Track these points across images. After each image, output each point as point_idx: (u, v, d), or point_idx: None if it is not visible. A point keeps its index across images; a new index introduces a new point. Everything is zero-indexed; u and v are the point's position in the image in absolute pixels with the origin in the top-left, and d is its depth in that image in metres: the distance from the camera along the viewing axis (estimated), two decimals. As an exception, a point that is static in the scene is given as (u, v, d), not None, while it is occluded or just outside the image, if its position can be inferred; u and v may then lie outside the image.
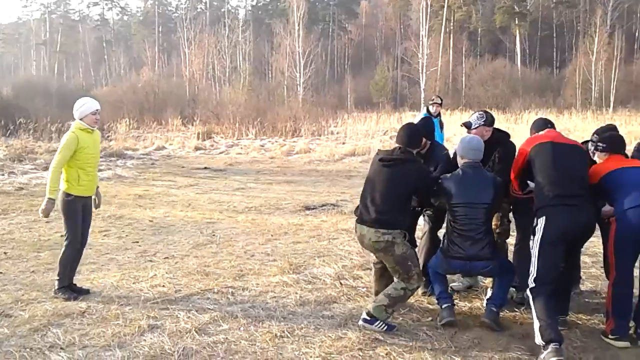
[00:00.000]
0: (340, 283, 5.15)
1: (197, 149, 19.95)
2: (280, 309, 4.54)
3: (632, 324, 3.91)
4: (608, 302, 3.91)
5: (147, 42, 60.28)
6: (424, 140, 4.62)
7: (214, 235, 7.29)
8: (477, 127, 4.54)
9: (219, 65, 47.23)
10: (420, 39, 47.56)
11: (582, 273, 5.20)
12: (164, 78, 43.87)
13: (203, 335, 4.04)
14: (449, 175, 4.23)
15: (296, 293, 4.92)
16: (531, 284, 3.78)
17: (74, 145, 4.76)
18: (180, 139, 22.12)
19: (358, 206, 4.38)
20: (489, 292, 4.23)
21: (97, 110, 4.93)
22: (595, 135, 4.53)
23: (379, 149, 4.55)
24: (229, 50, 46.91)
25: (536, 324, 3.62)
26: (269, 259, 6.08)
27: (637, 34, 50.19)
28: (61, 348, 3.83)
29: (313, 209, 9.11)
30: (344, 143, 20.14)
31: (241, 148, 19.88)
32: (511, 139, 4.74)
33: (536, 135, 4.16)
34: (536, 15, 56.55)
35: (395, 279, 4.23)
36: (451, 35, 52.49)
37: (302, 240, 6.95)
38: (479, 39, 57.59)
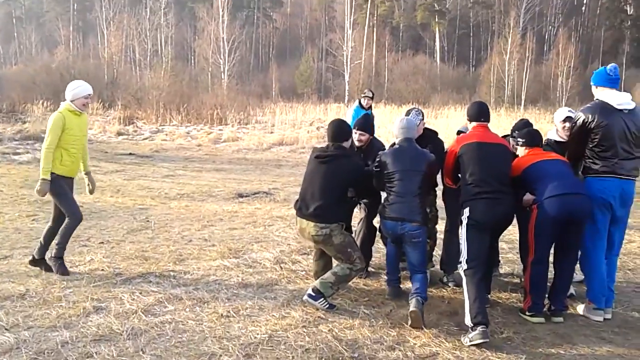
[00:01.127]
0: (280, 267, 5.36)
1: (119, 134, 19.42)
2: (224, 291, 4.68)
3: (546, 301, 4.37)
4: (526, 282, 4.34)
5: (61, 20, 57.29)
6: (358, 134, 4.97)
7: (148, 221, 7.27)
8: (419, 123, 4.93)
9: (140, 48, 45.71)
10: (345, 31, 48.25)
11: (500, 257, 5.68)
12: (80, 59, 41.90)
13: (149, 316, 4.13)
14: (386, 150, 4.63)
15: (238, 276, 5.08)
16: (464, 266, 4.14)
17: (61, 125, 4.84)
18: (100, 124, 21.38)
19: (297, 200, 4.64)
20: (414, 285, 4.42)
21: (89, 94, 5.04)
22: (515, 131, 5.02)
23: (314, 147, 4.84)
24: (150, 33, 45.45)
25: (467, 305, 3.95)
26: (208, 244, 6.18)
27: (546, 36, 53.34)
28: (5, 329, 3.80)
29: (246, 196, 9.23)
30: (271, 132, 20.25)
31: (166, 134, 19.52)
32: (439, 136, 5.24)
33: (464, 136, 4.52)
34: (455, 14, 58.77)
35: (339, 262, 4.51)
36: (375, 29, 53.55)
37: (238, 227, 7.08)
38: (401, 34, 59.05)
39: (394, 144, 4.69)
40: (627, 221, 4.51)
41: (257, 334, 3.86)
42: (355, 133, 5.00)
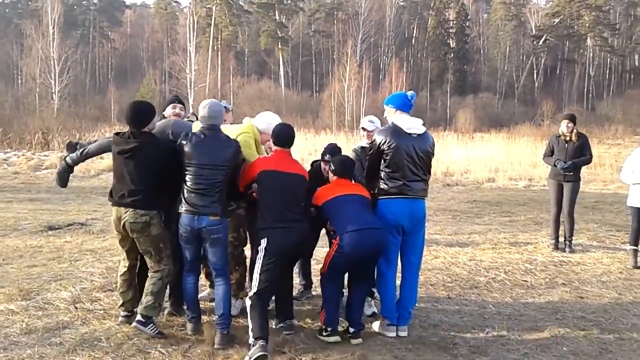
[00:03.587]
0: (75, 307, 4.85)
1: None
2: (1, 340, 4.11)
3: (345, 323, 4.45)
4: (323, 297, 4.44)
5: None
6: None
7: None
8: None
9: (-45, 66, 40.95)
10: (188, 54, 47.49)
11: (313, 279, 5.66)
12: None
13: None
14: (187, 136, 4.26)
15: (22, 321, 4.50)
16: (251, 293, 4.09)
17: None
18: None
19: (112, 189, 4.31)
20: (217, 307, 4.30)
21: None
22: (326, 154, 5.06)
23: (114, 134, 4.37)
24: (-35, 50, 40.95)
25: (250, 326, 3.98)
26: (-4, 287, 5.46)
27: (381, 65, 57.02)
28: None
29: (57, 229, 8.42)
30: (102, 158, 18.98)
31: (-22, 162, 17.49)
32: None
33: (265, 158, 4.39)
34: (297, 41, 60.70)
35: (149, 275, 4.32)
36: (219, 53, 53.41)
37: (40, 264, 6.38)
38: (246, 59, 59.55)
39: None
40: (423, 240, 4.68)
41: (29, 389, 3.40)
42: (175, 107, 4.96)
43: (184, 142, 4.20)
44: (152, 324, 4.22)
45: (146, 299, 4.26)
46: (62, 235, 7.98)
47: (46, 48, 40.43)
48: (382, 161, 4.44)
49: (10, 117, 26.04)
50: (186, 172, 4.19)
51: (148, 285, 4.32)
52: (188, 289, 4.41)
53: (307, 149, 22.59)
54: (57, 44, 41.03)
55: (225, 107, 4.97)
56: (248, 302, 4.08)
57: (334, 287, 4.39)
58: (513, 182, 16.26)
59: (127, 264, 4.46)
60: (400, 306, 4.51)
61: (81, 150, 4.60)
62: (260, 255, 4.12)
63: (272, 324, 4.47)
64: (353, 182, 4.60)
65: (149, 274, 4.36)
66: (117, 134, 4.34)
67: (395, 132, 4.43)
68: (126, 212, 4.18)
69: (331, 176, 4.60)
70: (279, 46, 56.64)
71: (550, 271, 6.66)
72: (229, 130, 4.58)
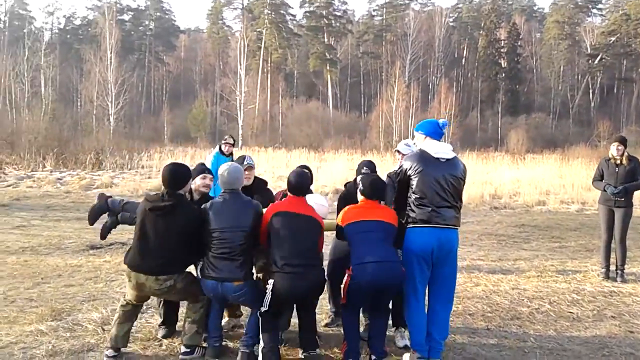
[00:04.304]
0: (103, 329, 4.84)
1: (-21, 181, 17.81)
2: (26, 362, 4.14)
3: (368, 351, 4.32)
4: (344, 329, 4.32)
5: None
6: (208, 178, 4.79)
7: (-30, 280, 6.47)
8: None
9: (18, 89, 43.04)
10: (238, 77, 48.49)
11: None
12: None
13: None
14: (208, 204, 4.30)
15: (49, 342, 4.51)
16: (264, 307, 4.13)
17: None
18: (-40, 170, 19.57)
19: (131, 254, 4.25)
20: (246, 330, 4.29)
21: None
22: (365, 167, 4.96)
23: (147, 194, 4.43)
24: (28, 74, 43.00)
25: (261, 344, 4.11)
26: (31, 305, 5.55)
27: (430, 85, 56.62)
28: None
29: (99, 248, 8.58)
30: (149, 177, 19.45)
31: (33, 181, 18.15)
32: (268, 186, 5.21)
33: (278, 203, 4.38)
34: (346, 63, 61.11)
35: (189, 306, 4.34)
36: (269, 75, 54.34)
37: (77, 283, 6.47)
38: (295, 81, 60.34)
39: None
40: (454, 272, 4.43)
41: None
42: (205, 178, 4.79)
43: (207, 206, 4.25)
44: (197, 348, 4.25)
45: (189, 328, 4.26)
46: (102, 255, 8.11)
47: (104, 72, 42.14)
48: (410, 188, 4.29)
49: (67, 138, 27.01)
50: (210, 237, 4.18)
51: (190, 314, 4.30)
52: (214, 311, 4.36)
53: (352, 170, 22.46)
54: (114, 67, 42.73)
55: (248, 164, 5.02)
56: (260, 321, 4.16)
57: (354, 318, 4.27)
58: (565, 205, 15.60)
59: (133, 301, 4.35)
60: (430, 338, 4.30)
61: (124, 201, 4.70)
62: (268, 294, 4.10)
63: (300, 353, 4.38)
64: (382, 203, 4.45)
65: (188, 304, 4.34)
66: (150, 195, 4.36)
67: (422, 157, 4.30)
68: (147, 278, 4.13)
69: (359, 196, 4.45)
70: (328, 68, 57.13)
71: (599, 302, 6.26)
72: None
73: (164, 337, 4.65)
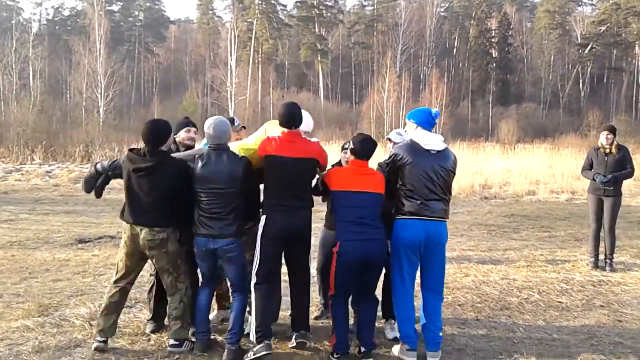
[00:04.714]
0: (90, 324, 4.79)
1: (-35, 174, 17.62)
2: (12, 358, 4.09)
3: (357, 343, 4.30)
4: (332, 319, 4.30)
5: None
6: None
7: (-44, 275, 6.40)
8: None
9: (6, 81, 42.55)
10: (229, 67, 48.21)
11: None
12: None
13: None
14: (194, 160, 4.19)
15: (36, 339, 4.47)
16: (253, 279, 4.19)
17: None
18: (-53, 163, 19.37)
19: (124, 208, 4.26)
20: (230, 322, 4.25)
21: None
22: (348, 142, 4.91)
23: (128, 151, 4.32)
24: (16, 66, 42.50)
25: (252, 321, 4.15)
26: (18, 301, 5.50)
27: (421, 76, 56.52)
28: None
29: (87, 242, 8.51)
30: (140, 170, 19.27)
31: (22, 174, 17.99)
32: None
33: (272, 139, 4.23)
34: (337, 53, 60.85)
35: (168, 299, 4.30)
36: (259, 66, 54.05)
37: (64, 278, 6.43)
38: (286, 71, 60.05)
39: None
40: (442, 265, 4.39)
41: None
42: (189, 131, 4.85)
43: (193, 165, 4.15)
44: (185, 341, 4.24)
45: (173, 324, 4.25)
46: (90, 249, 8.05)
47: (93, 63, 41.63)
48: (399, 179, 4.27)
49: (56, 130, 26.76)
50: (198, 196, 4.13)
51: (171, 310, 4.29)
52: (201, 304, 4.32)
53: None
54: (104, 59, 42.22)
55: (235, 124, 4.92)
56: (252, 289, 4.18)
57: (342, 309, 4.25)
58: (554, 195, 15.66)
59: (120, 286, 4.31)
60: (426, 330, 4.30)
61: (111, 161, 4.56)
62: (259, 239, 4.15)
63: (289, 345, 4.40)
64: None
65: (168, 298, 4.32)
66: (131, 150, 4.29)
67: (412, 148, 4.26)
68: (142, 230, 4.13)
69: (349, 156, 4.42)
70: (319, 58, 56.90)
71: (587, 291, 6.30)
72: (254, 136, 4.57)
73: (152, 332, 4.62)
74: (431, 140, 4.28)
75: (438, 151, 4.27)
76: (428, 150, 4.24)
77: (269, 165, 4.17)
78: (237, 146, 4.43)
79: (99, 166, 4.54)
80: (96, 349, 4.18)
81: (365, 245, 4.07)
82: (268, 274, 4.20)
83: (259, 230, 4.21)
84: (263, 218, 4.20)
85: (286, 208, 4.13)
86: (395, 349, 4.37)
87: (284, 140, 4.19)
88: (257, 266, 4.19)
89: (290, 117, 4.24)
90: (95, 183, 4.55)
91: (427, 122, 4.38)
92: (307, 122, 4.57)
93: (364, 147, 4.27)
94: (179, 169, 4.19)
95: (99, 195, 4.60)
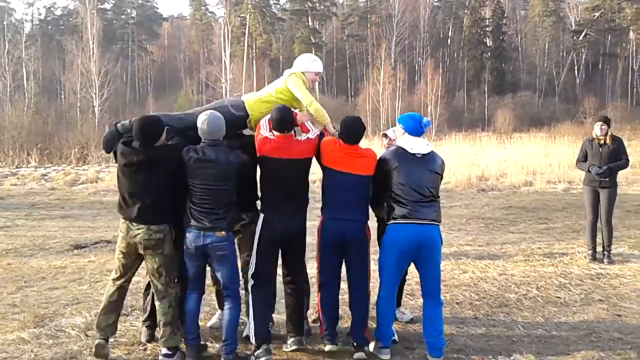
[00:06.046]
0: (87, 335, 4.75)
1: (-41, 180, 17.53)
2: (8, 373, 4.07)
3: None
4: (318, 307, 4.39)
5: None
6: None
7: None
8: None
9: (0, 84, 42.35)
10: (223, 64, 48.02)
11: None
12: None
13: None
14: (188, 156, 4.11)
15: (32, 351, 4.43)
16: (250, 281, 4.25)
17: None
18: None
19: (120, 204, 4.20)
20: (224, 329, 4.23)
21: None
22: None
23: (121, 142, 4.20)
24: (9, 68, 42.29)
25: (251, 324, 4.18)
26: (13, 312, 5.45)
27: (416, 67, 56.36)
28: None
29: (84, 247, 8.47)
30: (136, 171, 19.20)
31: (18, 178, 17.91)
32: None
33: (264, 141, 4.25)
34: (331, 47, 60.63)
35: (157, 304, 4.21)
36: (254, 61, 53.82)
37: (60, 286, 6.38)
38: (280, 66, 59.72)
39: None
40: (437, 269, 4.36)
41: None
42: None
43: (186, 159, 4.08)
44: (177, 351, 4.18)
45: (163, 331, 4.18)
46: (86, 255, 8.00)
47: (87, 63, 41.41)
48: (388, 184, 4.30)
49: (51, 132, 26.61)
50: (191, 190, 4.09)
51: (160, 316, 4.21)
52: (190, 308, 4.24)
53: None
54: (97, 58, 41.98)
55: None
56: (249, 291, 4.24)
57: (329, 299, 4.36)
58: (552, 185, 15.64)
59: (118, 284, 4.28)
60: (428, 336, 4.30)
61: (131, 123, 4.33)
62: (256, 240, 4.20)
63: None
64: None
65: (156, 303, 4.25)
66: (124, 143, 4.17)
67: (399, 153, 4.32)
68: (138, 228, 4.07)
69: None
70: (313, 52, 56.70)
71: (586, 285, 6.28)
72: (273, 85, 4.70)
73: (148, 341, 4.58)
74: (416, 144, 4.32)
75: (424, 154, 4.30)
76: (414, 155, 4.28)
77: (265, 165, 4.27)
78: (253, 98, 4.57)
79: (119, 126, 4.37)
80: (97, 346, 4.17)
81: (345, 224, 4.24)
82: (265, 275, 4.25)
83: (256, 231, 4.25)
84: (260, 219, 4.26)
85: (284, 209, 4.21)
86: (371, 346, 4.40)
87: (278, 142, 4.22)
88: (253, 268, 4.23)
89: (282, 123, 4.22)
90: (114, 142, 4.36)
91: (416, 130, 4.39)
92: (317, 64, 4.85)
93: (349, 135, 4.35)
94: (174, 162, 4.10)
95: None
